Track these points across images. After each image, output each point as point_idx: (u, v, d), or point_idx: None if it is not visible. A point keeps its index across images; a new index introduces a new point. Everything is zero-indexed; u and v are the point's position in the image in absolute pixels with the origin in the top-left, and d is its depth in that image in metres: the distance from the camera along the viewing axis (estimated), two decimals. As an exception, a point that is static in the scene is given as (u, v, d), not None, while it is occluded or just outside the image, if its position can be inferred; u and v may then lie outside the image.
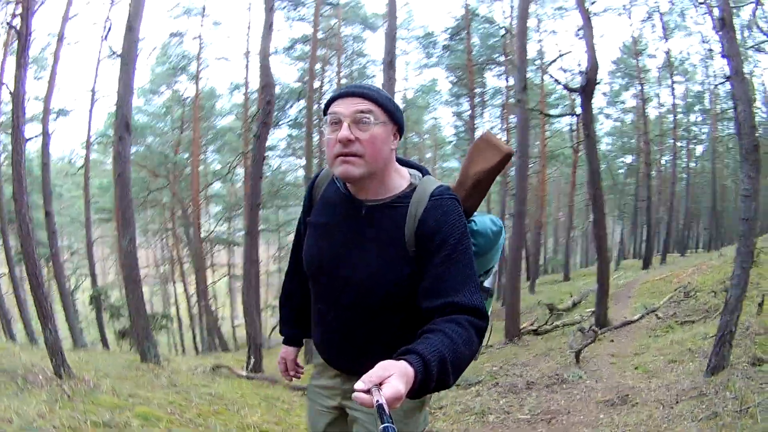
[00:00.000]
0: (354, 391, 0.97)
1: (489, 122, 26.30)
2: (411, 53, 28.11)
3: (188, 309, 25.71)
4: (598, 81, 8.07)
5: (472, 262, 1.40)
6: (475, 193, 1.68)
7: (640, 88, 25.75)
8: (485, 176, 1.71)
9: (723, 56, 5.39)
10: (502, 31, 20.35)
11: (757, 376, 4.60)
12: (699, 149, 34.45)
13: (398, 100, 27.33)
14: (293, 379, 1.92)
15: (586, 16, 8.43)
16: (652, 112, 29.01)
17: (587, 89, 8.17)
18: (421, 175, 1.53)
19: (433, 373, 1.08)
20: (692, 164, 33.76)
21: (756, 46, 15.59)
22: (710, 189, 29.53)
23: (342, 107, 1.37)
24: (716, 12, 5.96)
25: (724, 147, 27.15)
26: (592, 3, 12.83)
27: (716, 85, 24.36)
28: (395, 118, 1.43)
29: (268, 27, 9.79)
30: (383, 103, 1.40)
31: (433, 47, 24.68)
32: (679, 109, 28.81)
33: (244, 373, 8.21)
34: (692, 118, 32.48)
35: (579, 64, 24.87)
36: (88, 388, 4.44)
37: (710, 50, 27.38)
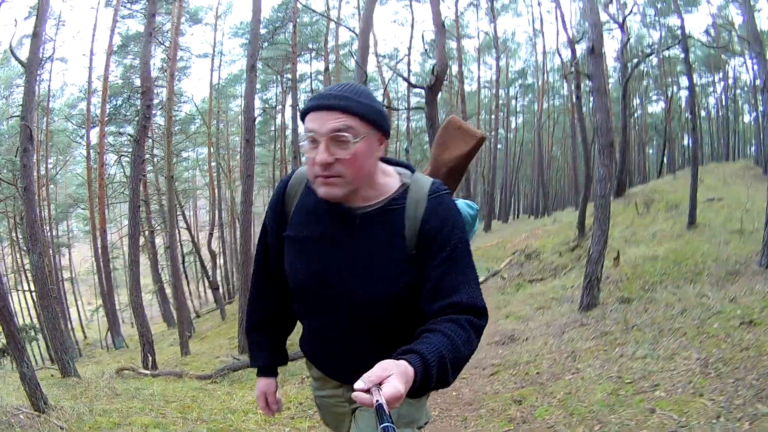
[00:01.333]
0: (354, 391, 0.98)
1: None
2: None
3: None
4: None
5: (472, 259, 1.40)
6: (450, 180, 1.71)
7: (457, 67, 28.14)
8: (461, 162, 1.76)
9: (588, 76, 7.21)
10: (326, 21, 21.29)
11: (629, 308, 6.21)
12: (514, 122, 39.00)
13: (212, 91, 27.20)
14: (275, 414, 1.80)
15: (440, 22, 9.35)
16: (466, 88, 31.83)
17: (435, 87, 8.83)
18: (410, 173, 1.47)
19: (432, 373, 1.10)
20: (510, 135, 37.88)
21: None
22: (536, 159, 33.57)
23: (317, 124, 1.28)
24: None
25: (552, 120, 31.34)
26: None
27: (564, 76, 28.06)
28: (379, 126, 1.33)
29: (149, 34, 9.96)
30: (364, 113, 1.29)
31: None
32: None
33: (148, 372, 8.36)
34: (511, 92, 37.11)
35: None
36: (75, 417, 4.34)
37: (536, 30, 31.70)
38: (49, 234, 20.97)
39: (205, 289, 33.97)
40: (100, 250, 19.10)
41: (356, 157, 1.29)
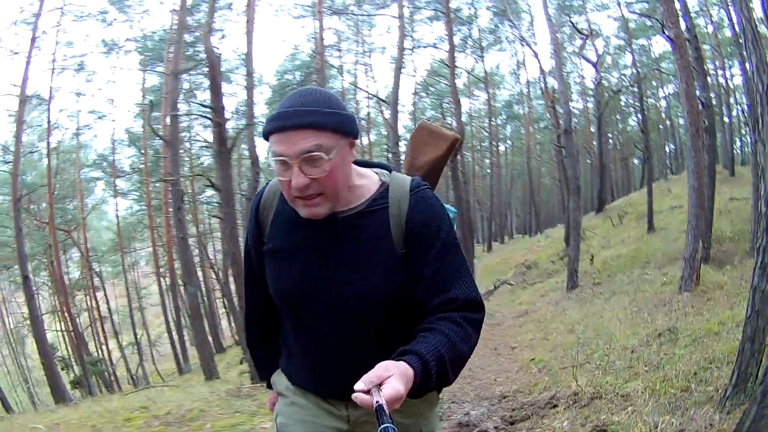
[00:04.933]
0: (355, 394, 1.00)
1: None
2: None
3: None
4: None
5: (461, 252, 1.43)
6: (428, 182, 1.58)
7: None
8: (436, 164, 1.84)
9: (562, 147, 11.50)
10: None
11: (597, 287, 10.19)
12: (502, 148, 43.19)
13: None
14: None
15: (457, 98, 13.62)
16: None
17: (458, 146, 13.13)
18: (387, 172, 1.48)
19: (432, 373, 1.14)
20: (502, 160, 42.31)
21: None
22: (528, 185, 38.02)
23: (286, 147, 1.24)
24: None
25: (539, 150, 35.76)
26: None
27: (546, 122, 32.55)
28: (348, 132, 1.30)
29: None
30: (333, 126, 1.25)
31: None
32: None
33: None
34: (498, 121, 41.54)
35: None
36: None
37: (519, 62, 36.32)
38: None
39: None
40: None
41: (333, 172, 1.27)
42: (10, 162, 21.04)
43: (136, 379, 22.63)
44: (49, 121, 20.44)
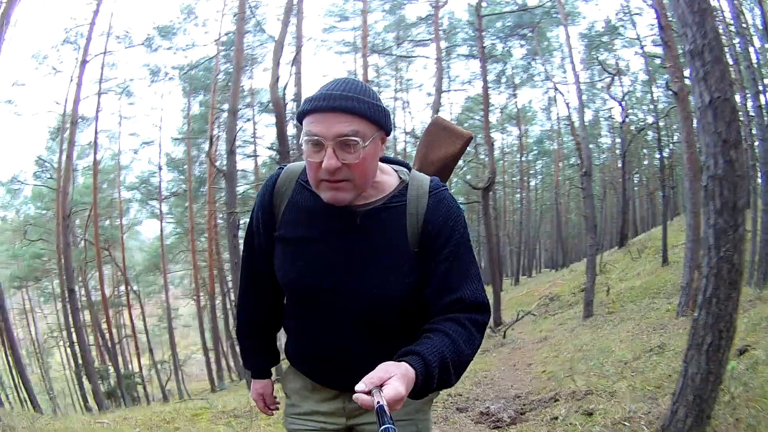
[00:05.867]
0: (356, 393, 1.03)
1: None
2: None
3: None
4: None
5: (473, 254, 1.46)
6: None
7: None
8: (449, 162, 1.89)
9: (582, 189, 12.77)
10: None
11: (610, 315, 11.31)
12: (532, 183, 44.23)
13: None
14: (273, 414, 1.92)
15: (490, 141, 15.02)
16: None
17: (489, 188, 13.82)
18: (407, 171, 1.51)
19: (434, 374, 1.17)
20: (531, 195, 43.44)
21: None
22: (555, 220, 39.18)
23: (323, 128, 1.27)
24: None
25: (567, 186, 36.79)
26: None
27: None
28: (383, 126, 1.35)
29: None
30: (371, 115, 1.30)
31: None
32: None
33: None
34: (530, 156, 42.51)
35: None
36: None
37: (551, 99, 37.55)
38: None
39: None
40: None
41: (364, 161, 1.30)
42: (52, 178, 22.82)
43: (169, 394, 23.81)
44: (96, 142, 21.89)
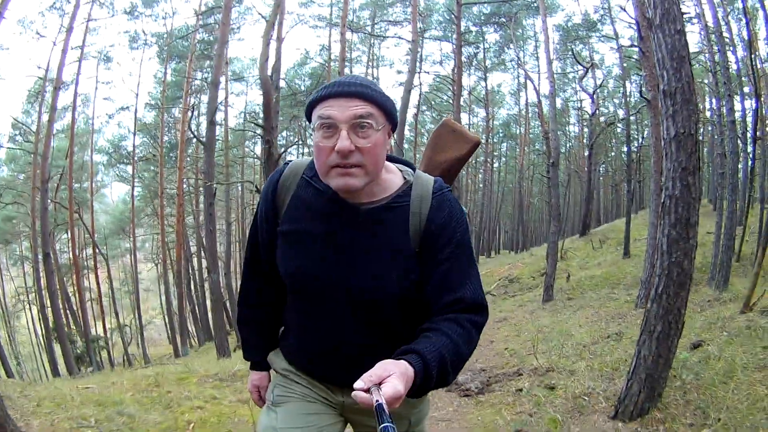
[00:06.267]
0: (355, 392, 1.04)
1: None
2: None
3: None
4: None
5: (473, 255, 1.49)
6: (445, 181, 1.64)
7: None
8: (455, 164, 1.92)
9: (548, 178, 13.39)
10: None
11: (569, 301, 11.86)
12: (496, 165, 44.92)
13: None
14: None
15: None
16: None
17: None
18: (411, 171, 1.53)
19: (432, 373, 1.18)
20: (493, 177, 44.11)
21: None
22: (517, 203, 40.31)
23: (337, 110, 1.31)
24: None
25: (531, 171, 37.62)
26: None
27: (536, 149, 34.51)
28: (392, 118, 1.39)
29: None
30: (383, 103, 1.35)
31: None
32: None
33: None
34: (495, 139, 43.12)
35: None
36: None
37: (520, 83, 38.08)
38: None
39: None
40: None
41: (376, 147, 1.33)
42: (29, 141, 22.58)
43: (132, 358, 24.01)
44: (75, 106, 21.81)
